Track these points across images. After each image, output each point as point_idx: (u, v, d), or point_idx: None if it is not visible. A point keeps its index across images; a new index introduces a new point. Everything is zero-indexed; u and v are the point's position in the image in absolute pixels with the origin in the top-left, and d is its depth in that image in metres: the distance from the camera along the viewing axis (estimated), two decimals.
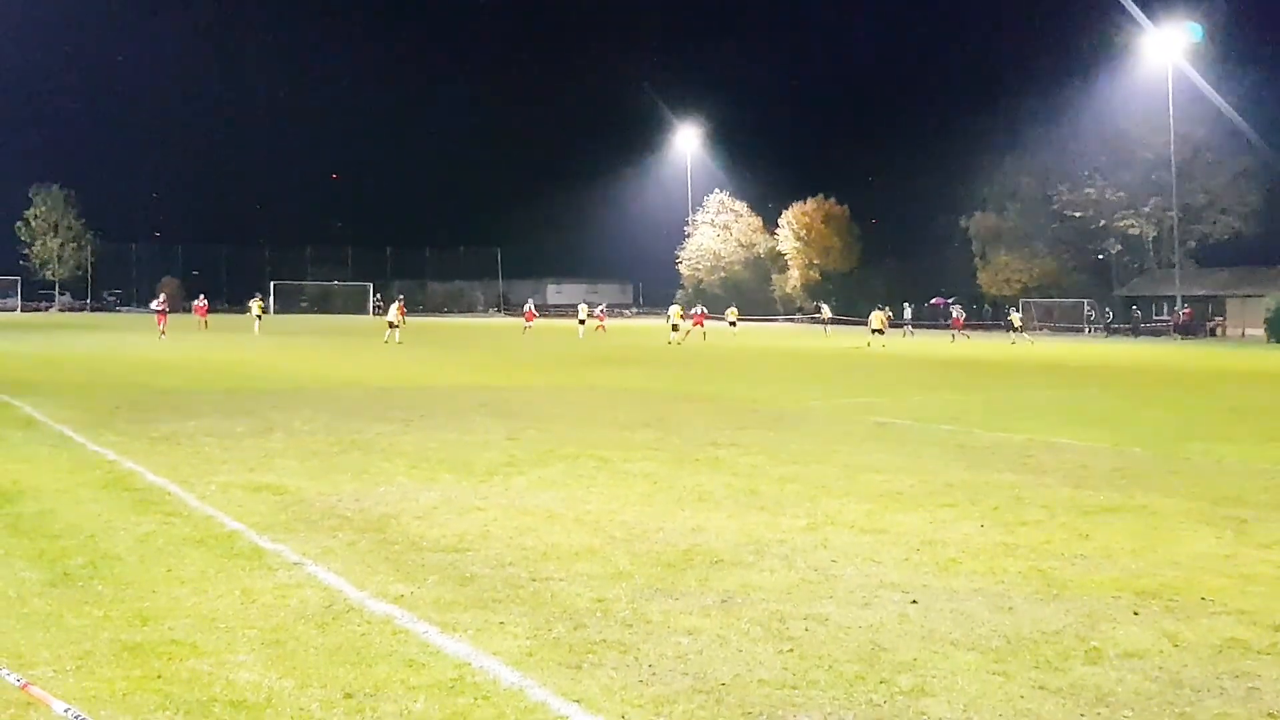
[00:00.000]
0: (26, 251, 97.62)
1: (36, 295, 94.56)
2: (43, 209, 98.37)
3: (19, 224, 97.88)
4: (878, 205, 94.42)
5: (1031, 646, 5.41)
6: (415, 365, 27.77)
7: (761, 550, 7.30)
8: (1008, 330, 54.81)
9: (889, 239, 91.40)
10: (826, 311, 61.14)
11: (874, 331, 47.11)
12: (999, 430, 14.72)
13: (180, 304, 61.98)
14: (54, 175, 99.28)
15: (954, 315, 60.65)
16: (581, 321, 51.97)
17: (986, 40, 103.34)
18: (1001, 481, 10.30)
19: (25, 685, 3.25)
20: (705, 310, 53.72)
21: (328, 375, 23.73)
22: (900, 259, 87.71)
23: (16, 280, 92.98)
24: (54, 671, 4.81)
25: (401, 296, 42.08)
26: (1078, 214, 72.49)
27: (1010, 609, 6.05)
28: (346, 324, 67.45)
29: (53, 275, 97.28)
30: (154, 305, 43.94)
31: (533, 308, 57.08)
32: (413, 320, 55.16)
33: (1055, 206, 73.43)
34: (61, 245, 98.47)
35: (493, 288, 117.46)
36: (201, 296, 60.09)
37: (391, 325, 40.79)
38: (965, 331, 55.98)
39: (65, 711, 3.08)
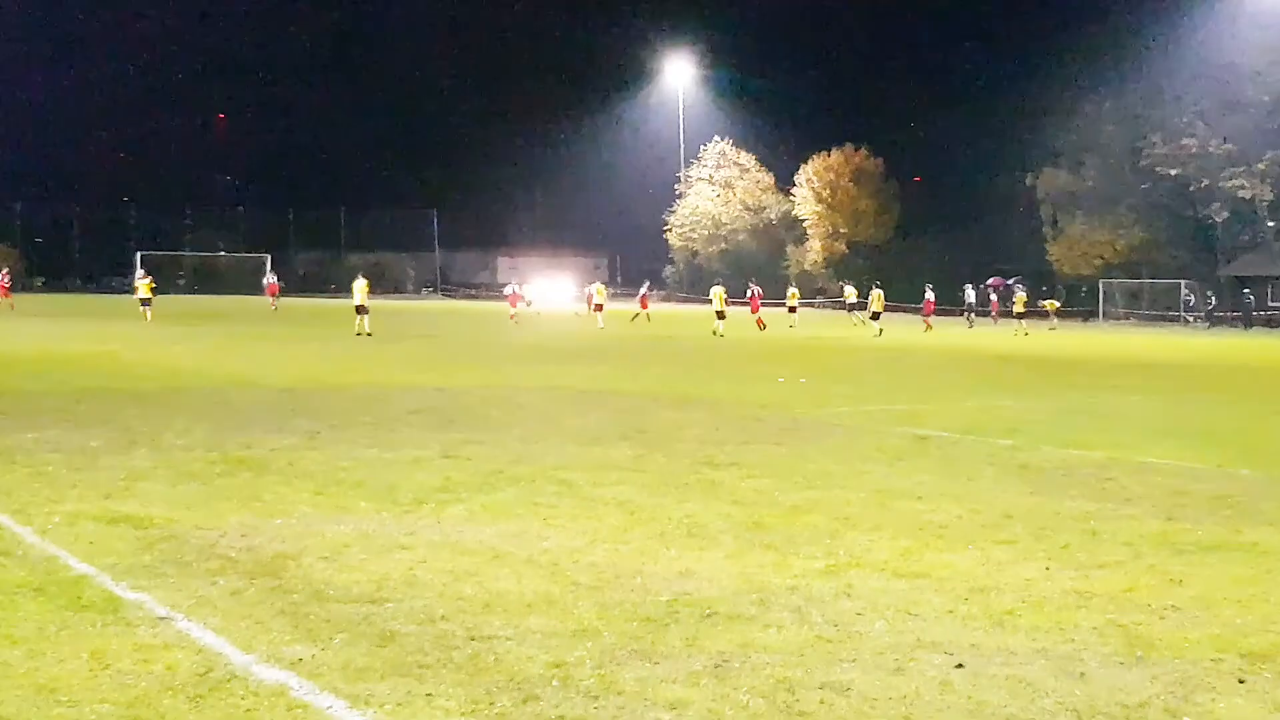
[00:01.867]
0: None
1: None
2: None
3: None
4: (922, 160, 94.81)
5: None
6: (327, 360, 27.70)
7: (767, 600, 7.30)
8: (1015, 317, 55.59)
9: (936, 202, 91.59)
10: (850, 294, 61.49)
11: (872, 316, 51.22)
12: (1071, 446, 14.76)
13: None
14: None
15: (993, 298, 61.44)
16: (599, 307, 51.85)
17: None
18: (1073, 511, 10.33)
19: None
20: (760, 291, 54.41)
21: (211, 372, 23.66)
22: (950, 228, 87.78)
23: None
24: None
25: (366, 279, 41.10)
26: (1174, 171, 72.19)
27: (1082, 675, 6.05)
28: (237, 306, 67.25)
29: None
30: None
31: (517, 290, 59.16)
32: (325, 303, 54.93)
33: (1145, 162, 73.12)
34: None
35: (427, 261, 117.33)
36: (5, 273, 61.06)
37: (360, 310, 40.75)
38: (1022, 321, 56.41)
39: None
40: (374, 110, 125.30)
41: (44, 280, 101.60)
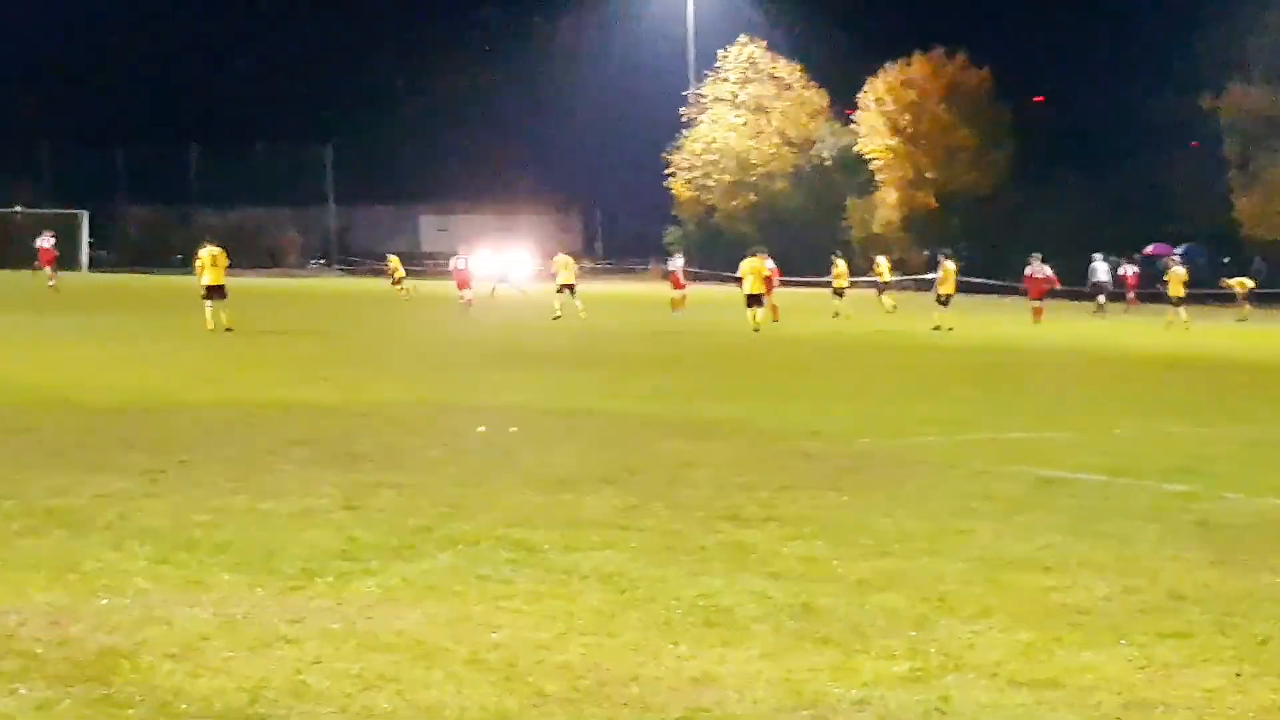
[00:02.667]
0: None
1: None
2: None
3: None
4: (1047, 73, 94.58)
5: None
6: (173, 367, 27.70)
7: None
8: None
9: (1067, 134, 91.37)
10: (883, 269, 60.16)
11: (940, 300, 51.78)
12: (1272, 494, 14.77)
13: None
14: None
15: (1128, 272, 61.41)
16: (566, 288, 51.53)
17: None
18: (1276, 591, 10.32)
19: None
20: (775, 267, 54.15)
21: (19, 384, 23.65)
22: (1091, 172, 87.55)
23: None
24: None
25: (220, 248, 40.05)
26: None
27: None
28: (39, 285, 67.19)
29: None
30: None
31: (462, 265, 58.93)
32: (167, 280, 54.59)
33: None
34: None
35: (318, 220, 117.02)
36: None
37: (213, 293, 39.73)
38: (1182, 307, 56.32)
39: None
40: (242, 9, 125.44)
41: None
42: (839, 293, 57.20)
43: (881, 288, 60.17)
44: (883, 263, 57.73)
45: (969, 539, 11.99)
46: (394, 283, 63.47)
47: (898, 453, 17.45)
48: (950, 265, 53.58)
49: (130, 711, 7.25)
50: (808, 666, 8.22)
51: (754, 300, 46.19)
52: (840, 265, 58.05)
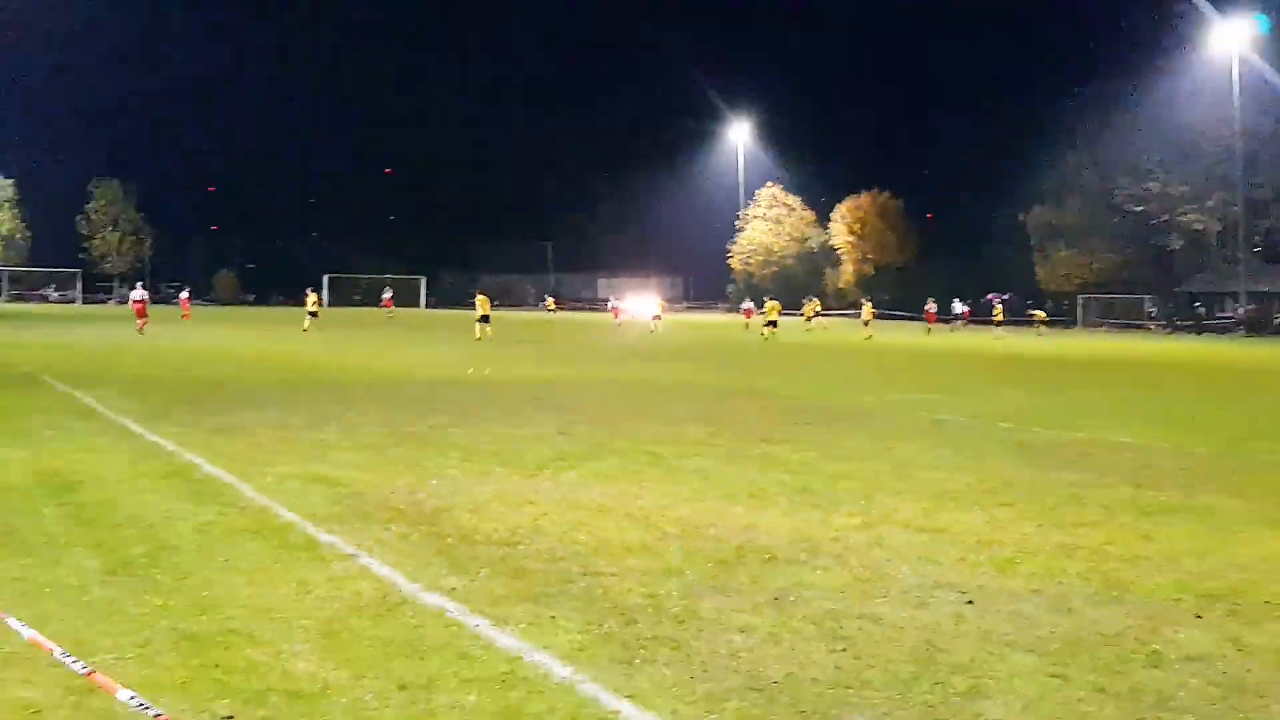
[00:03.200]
0: (86, 245, 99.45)
1: (94, 288, 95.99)
2: (102, 202, 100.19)
3: (79, 218, 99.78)
4: (934, 199, 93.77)
5: (1091, 649, 5.35)
6: (469, 359, 27.95)
7: (815, 549, 7.27)
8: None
9: (945, 233, 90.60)
10: (867, 311, 56.75)
11: (864, 323, 52.57)
12: (1058, 429, 14.55)
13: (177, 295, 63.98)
14: (113, 169, 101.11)
15: (997, 307, 60.47)
16: (657, 317, 51.79)
17: (1045, 31, 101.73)
18: (1060, 481, 10.18)
19: (90, 673, 3.32)
20: (751, 306, 53.82)
21: (377, 369, 23.95)
22: (956, 254, 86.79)
23: (77, 273, 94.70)
24: (115, 659, 4.91)
25: (485, 295, 40.04)
26: (1139, 208, 71.60)
27: (1069, 610, 5.99)
28: (410, 316, 67.90)
29: (111, 268, 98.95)
30: (134, 296, 41.03)
31: (614, 303, 61.39)
32: (466, 314, 55.34)
33: (1116, 201, 72.50)
34: (120, 238, 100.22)
35: (543, 281, 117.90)
36: (185, 290, 62.57)
37: (483, 320, 38.88)
38: (1000, 328, 55.69)
39: (129, 699, 3.14)
40: (505, 163, 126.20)
41: (253, 297, 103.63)
42: (808, 318, 57.91)
43: (866, 321, 54.71)
44: (866, 305, 56.19)
45: (893, 452, 11.88)
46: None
47: (855, 407, 17.31)
48: (869, 304, 54.55)
49: (449, 539, 7.33)
50: (806, 520, 8.20)
51: (772, 324, 46.01)
52: (812, 302, 60.23)
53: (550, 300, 71.04)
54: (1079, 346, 45.99)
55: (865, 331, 50.63)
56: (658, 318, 51.74)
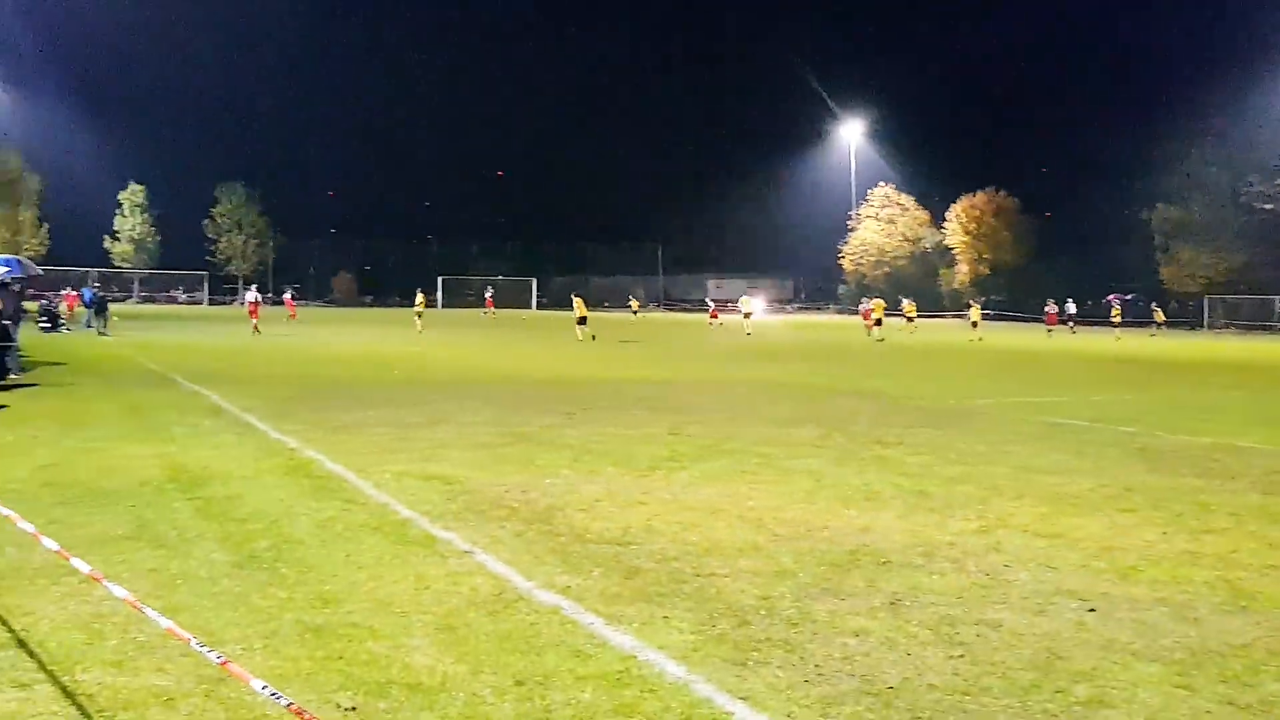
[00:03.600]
0: (212, 248, 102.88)
1: (220, 289, 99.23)
2: (228, 206, 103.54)
3: (205, 221, 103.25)
4: (1052, 198, 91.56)
5: (1218, 660, 5.17)
6: (577, 359, 28.16)
7: (931, 553, 7.17)
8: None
9: (1064, 233, 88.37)
10: (975, 313, 54.66)
11: (973, 325, 51.54)
12: (1182, 433, 14.08)
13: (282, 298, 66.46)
14: (238, 174, 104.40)
15: (1068, 310, 57.96)
16: (747, 316, 51.46)
17: (1168, 24, 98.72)
18: (1185, 486, 9.86)
19: (224, 662, 3.44)
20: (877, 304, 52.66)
21: (488, 369, 24.26)
22: (1075, 253, 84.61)
23: (204, 275, 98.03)
24: (242, 649, 5.07)
25: (580, 297, 40.77)
26: (1269, 206, 68.95)
27: (1195, 620, 5.80)
28: (510, 317, 68.80)
29: (236, 270, 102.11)
30: (248, 298, 42.43)
31: (712, 305, 62.33)
32: (564, 314, 55.84)
33: (1244, 198, 70.03)
34: (245, 241, 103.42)
35: (653, 283, 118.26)
36: (290, 290, 64.28)
37: (581, 322, 39.60)
38: (1119, 329, 53.75)
39: (262, 689, 3.25)
40: (614, 166, 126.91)
41: (371, 298, 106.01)
42: (909, 318, 56.17)
43: (975, 322, 53.68)
44: (975, 306, 54.88)
45: (1010, 456, 11.64)
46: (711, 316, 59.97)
47: (969, 409, 16.98)
48: (978, 305, 53.54)
49: (562, 537, 7.40)
50: (921, 523, 8.08)
51: (878, 324, 45.48)
52: (908, 303, 57.41)
53: (634, 301, 71.47)
54: (1204, 348, 44.48)
55: (974, 333, 49.49)
56: (748, 316, 51.30)
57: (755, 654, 5.16)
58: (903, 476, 10.13)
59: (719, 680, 4.81)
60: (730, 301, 76.25)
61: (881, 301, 48.12)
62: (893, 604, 5.99)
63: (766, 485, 9.56)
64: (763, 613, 5.79)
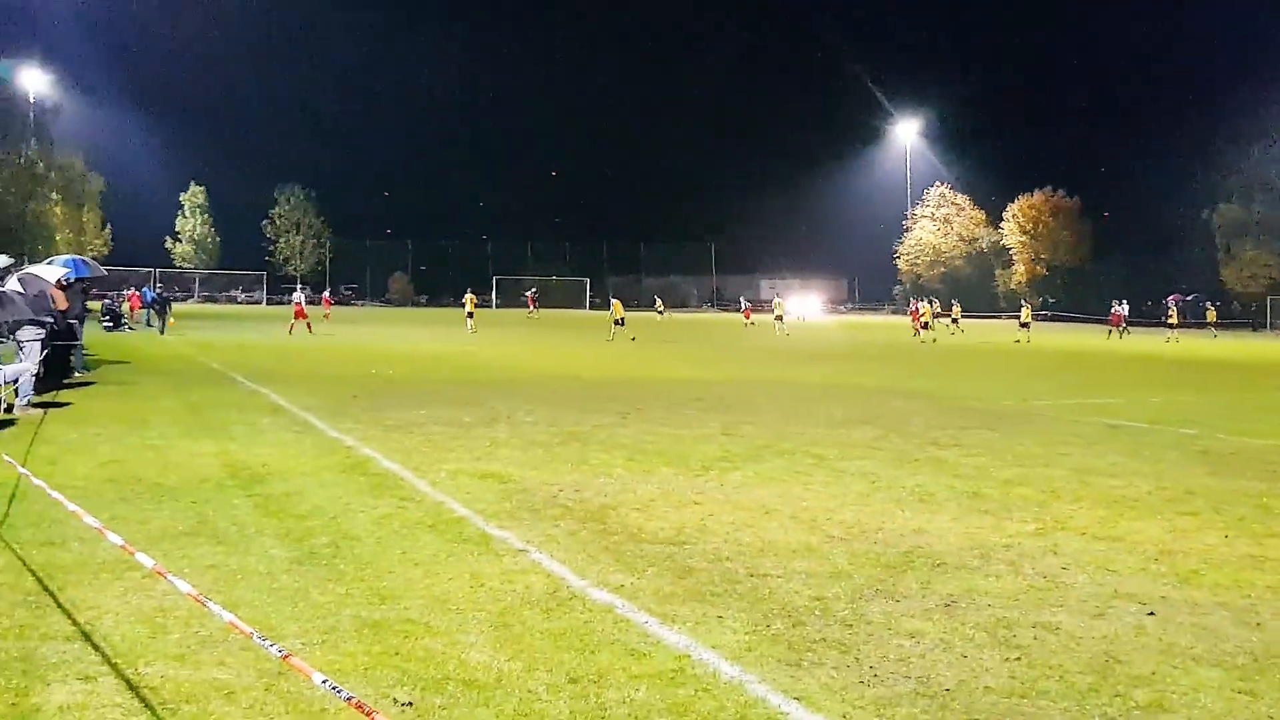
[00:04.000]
0: (271, 248, 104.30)
1: (279, 289, 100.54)
2: (286, 208, 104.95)
3: (264, 222, 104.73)
4: (1110, 198, 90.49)
5: None
6: (628, 359, 28.19)
7: (987, 554, 7.10)
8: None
9: (1122, 233, 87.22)
10: (1026, 313, 52.59)
11: (933, 322, 48.63)
12: (1244, 435, 13.83)
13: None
14: (297, 176, 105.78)
15: (1118, 310, 56.60)
16: (779, 318, 51.10)
17: (1227, 21, 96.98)
18: (1248, 489, 9.68)
19: (285, 656, 3.48)
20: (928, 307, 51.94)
21: (542, 368, 24.35)
22: (1134, 254, 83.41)
23: (262, 275, 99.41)
24: (302, 644, 5.13)
25: (617, 299, 41.76)
26: None
27: (1258, 624, 5.70)
28: (564, 317, 69.10)
29: (294, 270, 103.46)
30: (295, 299, 42.38)
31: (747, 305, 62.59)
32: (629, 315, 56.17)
33: None
34: (302, 242, 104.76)
35: (706, 283, 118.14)
36: (327, 291, 65.26)
37: (618, 323, 40.39)
38: (1175, 331, 52.42)
39: (323, 683, 3.29)
40: (668, 166, 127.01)
41: (426, 298, 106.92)
42: (955, 319, 56.49)
43: (1025, 323, 51.11)
44: (1026, 307, 53.78)
45: (1067, 458, 11.49)
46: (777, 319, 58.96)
47: (1025, 410, 16.78)
48: (1029, 307, 52.66)
49: (616, 536, 7.41)
50: (977, 525, 8.00)
51: (925, 326, 45.16)
52: (956, 307, 57.95)
53: (660, 302, 72.20)
54: (1265, 350, 43.65)
55: (1022, 333, 48.60)
56: (780, 319, 50.70)
57: (810, 655, 5.14)
58: (957, 478, 10.03)
59: (773, 680, 4.80)
60: (765, 302, 76.31)
61: (929, 306, 47.76)
62: (948, 606, 5.94)
63: (820, 486, 9.51)
64: (817, 613, 5.77)
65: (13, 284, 15.14)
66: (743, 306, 64.90)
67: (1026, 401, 18.26)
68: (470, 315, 45.53)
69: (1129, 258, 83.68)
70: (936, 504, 8.81)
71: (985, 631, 5.51)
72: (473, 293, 49.20)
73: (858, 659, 5.09)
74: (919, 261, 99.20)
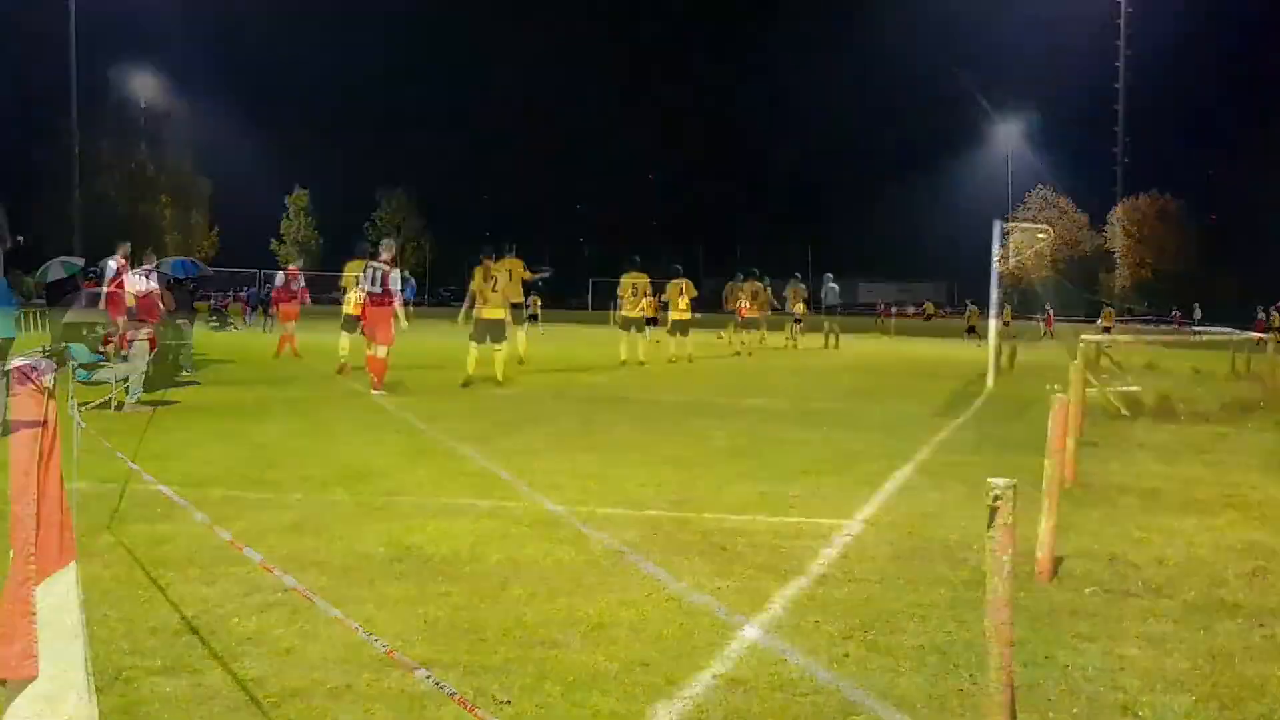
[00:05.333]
0: (373, 251, 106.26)
1: None
2: (388, 211, 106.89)
3: (366, 225, 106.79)
4: (1218, 202, 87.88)
5: None
6: (714, 367, 28.03)
7: None
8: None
9: (1231, 237, 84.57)
10: (1108, 317, 50.49)
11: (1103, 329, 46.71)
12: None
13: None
14: (399, 178, 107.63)
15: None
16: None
17: None
18: None
19: (390, 651, 3.53)
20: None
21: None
22: (1245, 258, 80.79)
23: None
24: (402, 641, 5.19)
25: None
26: None
27: None
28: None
29: None
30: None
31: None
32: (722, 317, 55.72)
33: None
34: (404, 245, 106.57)
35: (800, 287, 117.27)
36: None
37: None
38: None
39: (426, 677, 3.33)
40: (764, 168, 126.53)
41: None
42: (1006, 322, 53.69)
43: (1107, 327, 49.17)
44: (1108, 310, 52.10)
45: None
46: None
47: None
48: (1110, 310, 51.49)
49: (713, 539, 7.37)
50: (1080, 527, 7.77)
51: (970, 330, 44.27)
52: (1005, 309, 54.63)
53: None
54: None
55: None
56: (799, 322, 45.56)
57: (907, 662, 5.05)
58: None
59: (868, 684, 4.74)
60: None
61: (975, 309, 46.39)
62: None
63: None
64: (916, 619, 5.68)
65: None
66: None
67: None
68: (533, 318, 40.57)
69: (1240, 262, 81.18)
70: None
71: None
72: (536, 295, 41.86)
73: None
74: (1021, 265, 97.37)
